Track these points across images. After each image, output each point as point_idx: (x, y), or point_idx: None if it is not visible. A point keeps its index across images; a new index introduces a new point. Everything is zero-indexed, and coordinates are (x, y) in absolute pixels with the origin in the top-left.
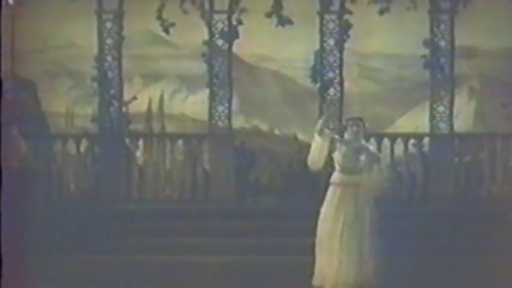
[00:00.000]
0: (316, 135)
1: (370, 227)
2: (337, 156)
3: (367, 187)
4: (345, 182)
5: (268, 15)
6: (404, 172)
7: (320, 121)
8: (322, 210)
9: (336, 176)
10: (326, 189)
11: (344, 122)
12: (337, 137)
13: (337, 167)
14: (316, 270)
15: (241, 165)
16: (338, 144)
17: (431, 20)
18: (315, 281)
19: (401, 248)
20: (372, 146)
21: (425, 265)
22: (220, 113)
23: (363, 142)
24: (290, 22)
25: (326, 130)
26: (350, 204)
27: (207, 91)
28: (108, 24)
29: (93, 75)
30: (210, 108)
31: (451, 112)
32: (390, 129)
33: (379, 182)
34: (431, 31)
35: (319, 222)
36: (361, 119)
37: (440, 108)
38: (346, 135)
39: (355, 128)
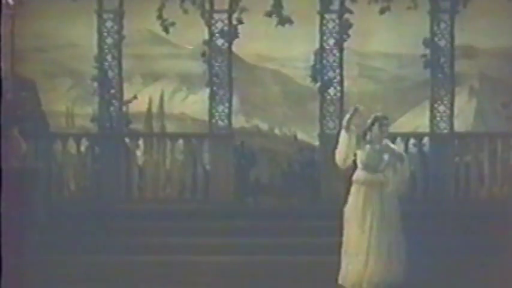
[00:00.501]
0: (343, 132)
1: (397, 225)
2: (360, 154)
3: (392, 186)
4: (368, 180)
5: (269, 15)
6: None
7: (346, 117)
8: (347, 209)
9: (359, 174)
10: (348, 187)
11: (370, 120)
12: (361, 134)
13: (359, 165)
14: (342, 269)
15: (241, 164)
16: (362, 142)
17: (432, 19)
18: (341, 280)
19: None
20: (395, 146)
21: (424, 265)
22: (220, 112)
23: (387, 141)
24: (290, 21)
25: (352, 126)
26: (376, 203)
27: (207, 91)
28: (108, 24)
29: (93, 75)
30: (210, 107)
31: (451, 112)
32: (390, 129)
33: (403, 181)
34: (432, 31)
35: (345, 221)
36: (387, 118)
37: (441, 108)
38: (370, 134)
39: (382, 127)
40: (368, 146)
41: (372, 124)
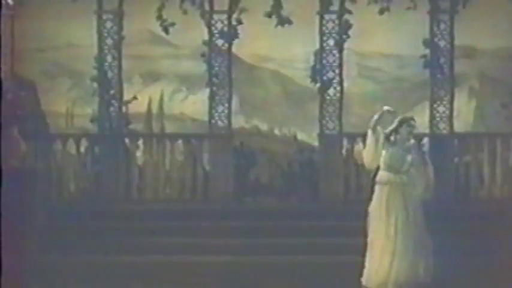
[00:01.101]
0: (369, 132)
1: (422, 226)
2: (384, 155)
3: (418, 188)
4: (391, 181)
5: (268, 15)
6: None
7: (375, 117)
8: (371, 209)
9: (381, 175)
10: (372, 188)
11: (397, 122)
12: (385, 134)
13: (382, 165)
14: (366, 270)
15: (240, 165)
16: (386, 143)
17: (431, 20)
18: (366, 281)
19: None
20: (418, 149)
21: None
22: (220, 113)
23: (411, 143)
24: (290, 22)
25: (378, 127)
26: (400, 204)
27: (206, 91)
28: (108, 24)
29: (93, 75)
30: (210, 108)
31: (451, 112)
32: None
33: (427, 185)
34: (431, 31)
35: (369, 221)
36: (414, 119)
37: (440, 108)
38: (395, 135)
39: (409, 129)
40: (392, 147)
41: (400, 125)
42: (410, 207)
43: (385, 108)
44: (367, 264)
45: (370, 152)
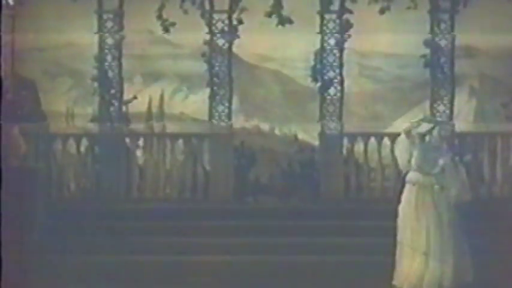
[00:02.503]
0: (403, 136)
1: (455, 227)
2: (415, 155)
3: (450, 191)
4: (421, 181)
5: (269, 15)
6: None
7: (411, 121)
8: (400, 209)
9: (411, 175)
10: (402, 187)
11: (431, 124)
12: (419, 135)
13: (413, 166)
14: (398, 271)
15: (241, 164)
16: (419, 145)
17: (432, 19)
18: (397, 281)
19: None
20: (450, 152)
21: None
22: (220, 112)
23: (444, 146)
24: (290, 22)
25: (413, 131)
26: (430, 205)
27: (207, 91)
28: (109, 24)
29: (93, 75)
30: (210, 107)
31: (451, 111)
32: (390, 129)
33: (462, 186)
34: (432, 30)
35: (399, 222)
36: (448, 123)
37: (441, 108)
38: (429, 136)
39: (443, 132)
40: (424, 149)
41: (433, 128)
42: (441, 208)
43: (422, 116)
44: (397, 264)
45: (405, 156)
